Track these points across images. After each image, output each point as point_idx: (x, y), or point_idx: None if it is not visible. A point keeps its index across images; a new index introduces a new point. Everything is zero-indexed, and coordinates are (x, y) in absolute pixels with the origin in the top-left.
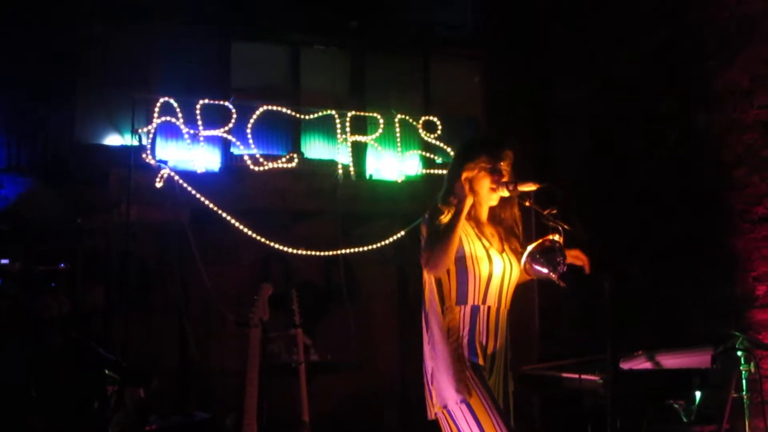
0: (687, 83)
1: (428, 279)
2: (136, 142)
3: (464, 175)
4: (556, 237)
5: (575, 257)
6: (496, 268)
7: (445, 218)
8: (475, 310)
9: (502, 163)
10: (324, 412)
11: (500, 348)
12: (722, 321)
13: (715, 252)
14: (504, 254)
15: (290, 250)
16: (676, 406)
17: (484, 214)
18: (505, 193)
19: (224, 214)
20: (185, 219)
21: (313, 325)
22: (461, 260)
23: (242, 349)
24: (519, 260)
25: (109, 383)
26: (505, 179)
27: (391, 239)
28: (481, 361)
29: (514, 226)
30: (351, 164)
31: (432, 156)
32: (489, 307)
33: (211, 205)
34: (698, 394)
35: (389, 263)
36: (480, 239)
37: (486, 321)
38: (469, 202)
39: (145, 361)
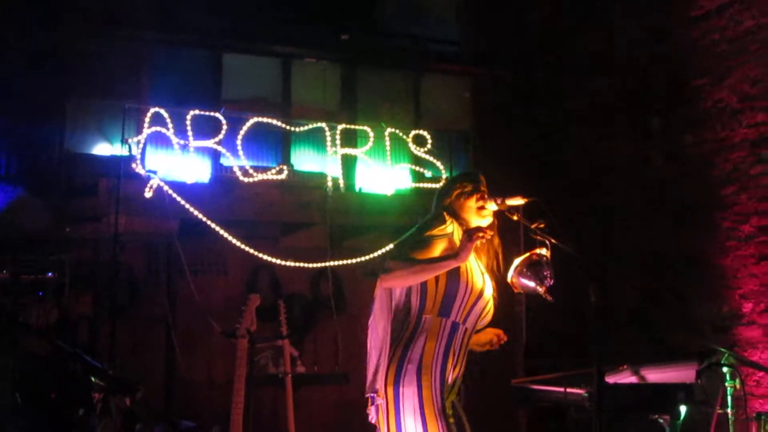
0: (675, 102)
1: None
2: (125, 152)
3: (450, 199)
4: (543, 251)
5: (495, 335)
6: (486, 293)
7: (438, 242)
8: (455, 327)
9: (482, 186)
10: (310, 423)
11: (461, 372)
12: (708, 337)
13: (702, 269)
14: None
15: (279, 261)
16: (661, 420)
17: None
18: (494, 207)
19: (213, 225)
20: (174, 229)
21: (300, 337)
22: (455, 271)
23: (229, 360)
24: (495, 295)
25: (94, 391)
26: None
27: (379, 252)
28: (448, 382)
29: (494, 264)
30: (341, 177)
31: (422, 170)
32: (466, 329)
33: (200, 216)
34: (683, 409)
35: (376, 276)
36: (477, 260)
37: (461, 343)
38: (469, 250)
39: (132, 370)
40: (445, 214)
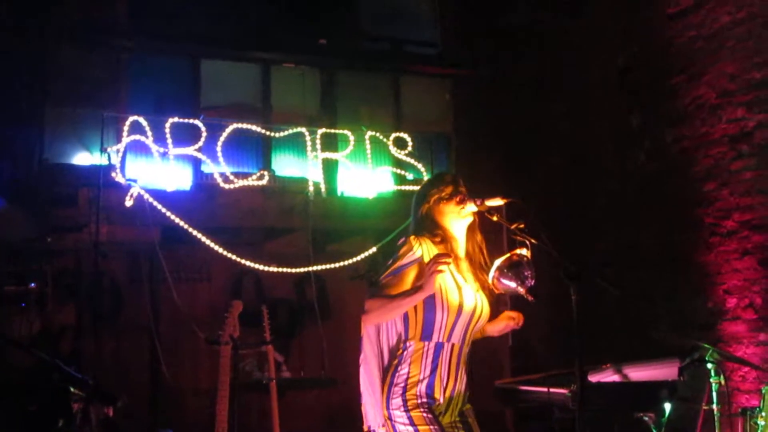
0: (655, 100)
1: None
2: (105, 161)
3: (428, 205)
4: (524, 251)
5: (509, 318)
6: (466, 305)
7: (409, 271)
8: (439, 347)
9: (460, 188)
10: (296, 429)
11: (459, 386)
12: (692, 334)
13: (686, 265)
14: (478, 292)
15: (262, 267)
16: (646, 418)
17: (459, 249)
18: (473, 208)
19: (195, 233)
20: (156, 237)
21: (286, 342)
22: (429, 297)
23: (214, 367)
24: (488, 296)
25: (74, 401)
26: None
27: (362, 255)
28: (439, 400)
29: (481, 259)
30: (322, 181)
31: (403, 172)
32: (453, 345)
33: (181, 224)
34: (667, 406)
35: (362, 279)
36: (454, 274)
37: (449, 359)
38: (432, 281)
39: (116, 378)
40: (411, 238)
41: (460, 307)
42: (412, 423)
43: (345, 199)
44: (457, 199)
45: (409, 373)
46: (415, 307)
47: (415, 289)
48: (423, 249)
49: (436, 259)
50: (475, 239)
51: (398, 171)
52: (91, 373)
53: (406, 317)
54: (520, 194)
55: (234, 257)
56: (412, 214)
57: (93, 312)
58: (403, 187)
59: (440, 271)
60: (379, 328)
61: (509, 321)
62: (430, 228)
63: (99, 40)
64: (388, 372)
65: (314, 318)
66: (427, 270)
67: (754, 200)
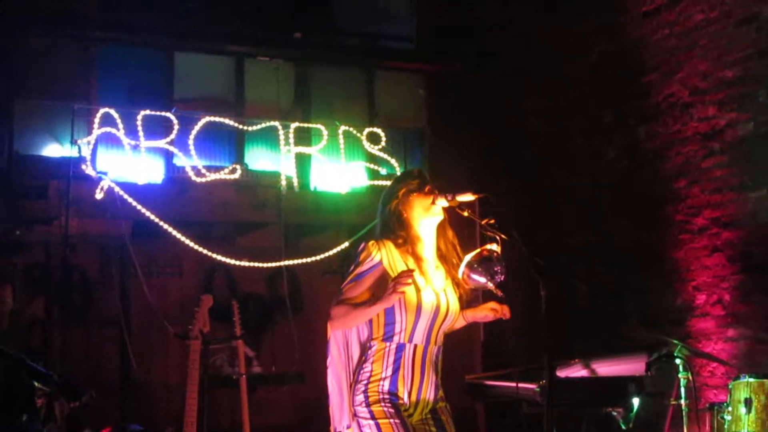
0: (628, 97)
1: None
2: (75, 153)
3: (397, 200)
4: (494, 246)
5: (491, 309)
6: (425, 306)
7: (369, 278)
8: (400, 348)
9: (418, 181)
10: (267, 424)
11: (427, 387)
12: (662, 329)
13: (656, 262)
14: (443, 291)
15: (233, 261)
16: (615, 413)
17: (422, 249)
18: (444, 204)
19: (166, 226)
20: (127, 231)
21: (258, 337)
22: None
23: (185, 362)
24: (462, 293)
25: (38, 397)
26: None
27: (335, 250)
28: (403, 399)
29: (455, 256)
30: (295, 176)
31: (376, 167)
32: (416, 346)
33: (152, 217)
34: (636, 401)
35: (334, 274)
36: (414, 276)
37: (412, 360)
38: (390, 300)
39: (86, 373)
40: (370, 244)
41: (419, 309)
42: (372, 417)
43: (318, 194)
44: (426, 189)
45: (371, 371)
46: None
47: (375, 299)
48: (383, 253)
49: (399, 279)
50: (447, 236)
51: (372, 166)
52: (60, 367)
53: (369, 319)
54: (492, 190)
55: (205, 251)
56: (379, 214)
57: (63, 306)
58: (376, 182)
59: (401, 293)
60: (345, 331)
61: (490, 311)
62: (395, 228)
63: (69, 31)
64: (355, 372)
65: (286, 313)
66: (389, 287)
67: (724, 197)
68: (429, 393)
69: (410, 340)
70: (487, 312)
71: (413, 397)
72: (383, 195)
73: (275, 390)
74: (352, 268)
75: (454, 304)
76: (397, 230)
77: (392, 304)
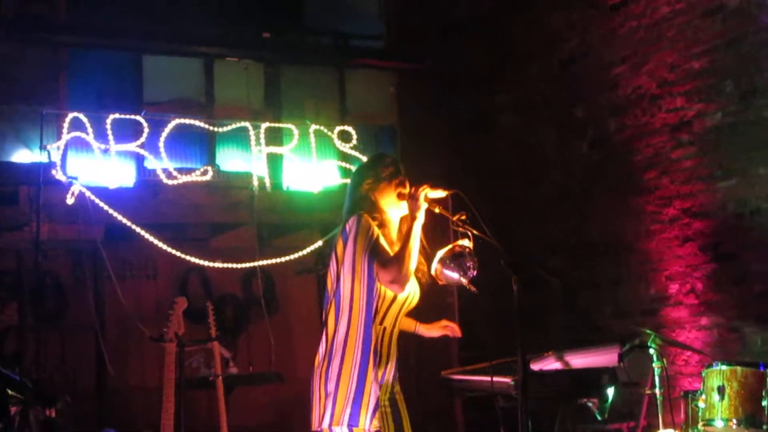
0: (598, 90)
1: (355, 288)
2: (45, 159)
3: (368, 186)
4: (466, 242)
5: (443, 327)
6: (400, 294)
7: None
8: (380, 331)
9: (392, 170)
10: (245, 424)
11: (390, 369)
12: (636, 320)
13: (629, 253)
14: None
15: (208, 263)
16: (590, 404)
17: (393, 233)
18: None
19: (139, 230)
20: (99, 235)
21: (234, 338)
22: (372, 283)
23: (161, 365)
24: (420, 282)
25: (12, 404)
26: (412, 188)
27: (309, 249)
28: (371, 379)
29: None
30: (267, 176)
31: (348, 166)
32: (384, 329)
33: (125, 221)
34: (610, 391)
35: (309, 273)
36: None
37: (383, 343)
38: (421, 212)
39: (61, 379)
40: (363, 214)
41: (395, 297)
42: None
43: (290, 193)
44: (397, 181)
45: (344, 350)
46: (354, 293)
47: (410, 223)
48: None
49: (414, 192)
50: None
51: (344, 164)
52: (35, 373)
53: (351, 300)
54: (465, 185)
55: (179, 254)
56: (350, 194)
57: (36, 312)
58: (348, 181)
59: (426, 197)
60: (339, 318)
61: (444, 330)
62: (369, 209)
63: (37, 36)
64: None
65: (261, 313)
66: (411, 204)
67: (694, 188)
68: (391, 375)
69: (381, 322)
70: (439, 329)
71: (387, 377)
72: (355, 175)
73: (253, 390)
74: (365, 239)
75: (418, 292)
76: (372, 211)
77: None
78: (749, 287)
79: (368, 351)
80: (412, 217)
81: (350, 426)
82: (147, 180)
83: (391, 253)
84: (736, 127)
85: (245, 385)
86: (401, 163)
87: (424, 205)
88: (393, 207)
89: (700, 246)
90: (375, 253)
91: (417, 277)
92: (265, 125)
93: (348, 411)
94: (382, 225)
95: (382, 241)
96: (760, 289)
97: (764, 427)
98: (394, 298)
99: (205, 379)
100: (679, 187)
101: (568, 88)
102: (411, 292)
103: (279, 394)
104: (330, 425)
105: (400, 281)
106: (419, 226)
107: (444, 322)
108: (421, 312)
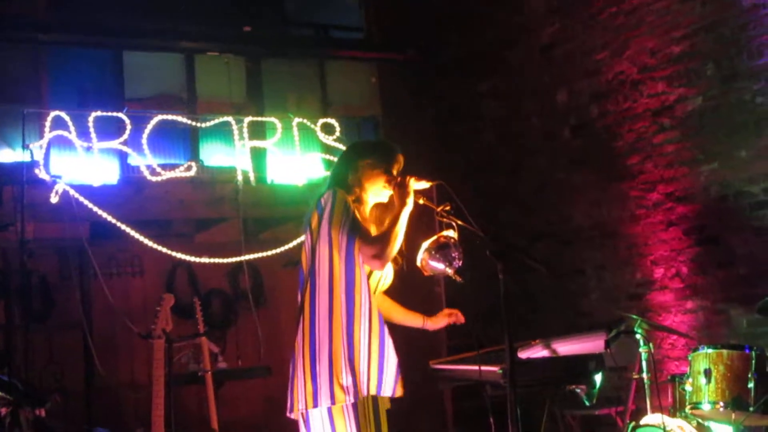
0: (580, 76)
1: (334, 259)
2: (28, 158)
3: (364, 165)
4: (451, 233)
5: (448, 315)
6: (374, 276)
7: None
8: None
9: (395, 165)
10: (235, 418)
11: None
12: (623, 305)
13: (614, 238)
14: None
15: (194, 258)
16: (578, 390)
17: (366, 212)
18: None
19: (124, 227)
20: (84, 233)
21: (222, 332)
22: (351, 255)
23: (150, 362)
24: (396, 264)
25: (2, 405)
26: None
27: (295, 242)
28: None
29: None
30: (251, 170)
31: (332, 158)
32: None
33: (110, 218)
34: (598, 377)
35: (296, 265)
36: None
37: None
38: (410, 199)
39: (50, 378)
40: (339, 191)
41: (370, 274)
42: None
43: (275, 187)
44: (394, 180)
45: (331, 330)
46: (333, 264)
47: (393, 211)
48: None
49: (400, 180)
50: (389, 211)
51: (327, 157)
52: (24, 373)
53: (330, 272)
54: (449, 175)
55: (165, 250)
56: (343, 163)
57: (23, 311)
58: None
59: (415, 187)
60: (318, 294)
61: (450, 318)
62: (351, 186)
63: (16, 34)
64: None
65: (249, 307)
66: (397, 192)
67: (677, 172)
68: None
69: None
70: (445, 318)
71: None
72: (353, 150)
73: (242, 384)
74: (342, 214)
75: (391, 276)
76: (353, 187)
77: (411, 205)
78: (734, 270)
79: (352, 318)
80: (401, 203)
81: (347, 402)
82: (131, 177)
83: (372, 229)
84: (717, 110)
85: (234, 379)
86: (394, 150)
87: (412, 193)
88: (374, 191)
89: (684, 230)
90: (356, 228)
91: (394, 258)
92: (247, 119)
93: (349, 379)
94: (358, 201)
95: (359, 216)
96: (744, 271)
97: (750, 409)
98: (369, 275)
99: (195, 375)
100: (662, 172)
101: (550, 75)
102: (385, 272)
103: (268, 386)
104: (316, 404)
105: (382, 258)
106: (407, 212)
107: (447, 311)
108: (409, 303)
